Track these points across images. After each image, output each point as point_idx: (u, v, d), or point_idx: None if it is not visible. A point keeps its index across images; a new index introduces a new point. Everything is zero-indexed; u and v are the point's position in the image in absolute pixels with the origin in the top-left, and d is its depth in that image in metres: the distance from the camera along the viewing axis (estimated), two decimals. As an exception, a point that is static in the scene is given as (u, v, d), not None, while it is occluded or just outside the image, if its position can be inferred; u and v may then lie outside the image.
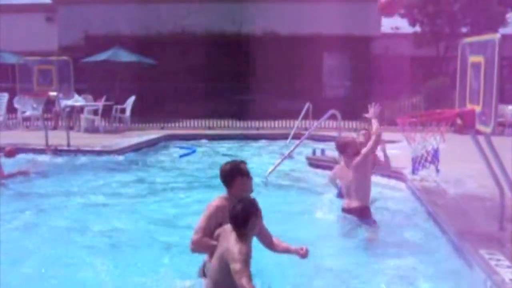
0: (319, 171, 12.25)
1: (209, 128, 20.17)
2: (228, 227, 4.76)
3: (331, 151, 13.62)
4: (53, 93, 14.73)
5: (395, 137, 15.67)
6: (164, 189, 10.95)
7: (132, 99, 19.53)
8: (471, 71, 6.74)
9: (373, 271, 6.13)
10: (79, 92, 19.76)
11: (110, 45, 22.12)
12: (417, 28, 28.67)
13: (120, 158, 13.98)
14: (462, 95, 7.06)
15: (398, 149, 13.68)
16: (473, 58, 6.69)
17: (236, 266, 4.40)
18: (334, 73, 26.45)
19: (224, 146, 16.97)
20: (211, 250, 5.07)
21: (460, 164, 10.95)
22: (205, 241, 5.06)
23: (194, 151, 15.51)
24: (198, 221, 5.20)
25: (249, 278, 4.33)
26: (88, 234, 7.69)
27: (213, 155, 15.37)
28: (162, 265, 6.27)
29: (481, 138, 6.59)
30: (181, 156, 14.95)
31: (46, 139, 14.17)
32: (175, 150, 15.91)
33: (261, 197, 9.73)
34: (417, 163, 6.67)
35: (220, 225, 5.01)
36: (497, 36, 6.11)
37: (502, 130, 17.54)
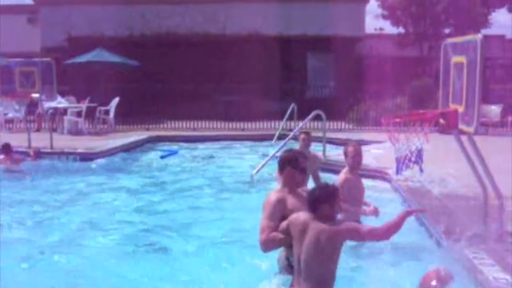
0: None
1: (194, 129, 20.12)
2: (300, 215, 4.77)
3: (316, 150, 13.69)
4: (35, 95, 14.63)
5: (379, 138, 15.76)
6: (147, 190, 10.93)
7: (116, 100, 19.44)
8: (454, 72, 6.78)
9: (359, 270, 6.13)
10: (62, 94, 19.63)
11: (93, 46, 22.02)
12: (401, 29, 28.87)
13: (104, 160, 13.90)
14: (445, 95, 7.10)
15: (383, 149, 13.79)
16: (455, 59, 6.73)
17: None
18: (319, 73, 26.49)
19: (209, 147, 16.94)
20: (283, 244, 5.05)
21: (444, 164, 10.98)
22: (274, 237, 4.97)
23: (175, 153, 15.46)
24: (260, 221, 5.13)
25: None
26: (76, 238, 7.65)
27: (196, 157, 15.34)
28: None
29: (464, 138, 6.62)
30: (161, 157, 14.92)
31: (29, 141, 14.06)
32: (159, 152, 15.85)
33: (248, 195, 9.81)
34: (401, 163, 6.68)
35: (283, 218, 4.98)
36: (478, 36, 6.14)
37: (486, 130, 17.65)
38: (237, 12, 25.51)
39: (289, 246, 4.94)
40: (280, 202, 5.07)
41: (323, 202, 4.65)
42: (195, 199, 10.07)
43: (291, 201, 5.09)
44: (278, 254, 5.26)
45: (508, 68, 39.70)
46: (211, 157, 15.32)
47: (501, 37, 38.11)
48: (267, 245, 5.02)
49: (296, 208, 4.99)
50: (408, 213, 5.00)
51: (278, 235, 4.96)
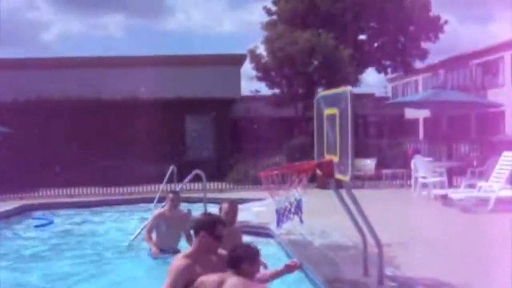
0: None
1: (71, 196, 19.48)
2: (211, 275, 4.63)
3: (196, 211, 13.58)
4: None
5: (260, 196, 15.93)
6: (19, 261, 10.36)
7: (-14, 170, 18.56)
8: (327, 123, 7.00)
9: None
10: None
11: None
12: (276, 90, 29.63)
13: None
14: (320, 147, 7.30)
15: (263, 206, 13.94)
16: (328, 111, 6.96)
17: None
18: (198, 135, 26.60)
19: (85, 213, 16.40)
20: None
21: (324, 217, 11.23)
22: None
23: (51, 222, 14.81)
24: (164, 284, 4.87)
25: None
26: None
27: (73, 224, 14.77)
28: None
29: (342, 192, 6.80)
30: (36, 226, 14.29)
31: None
32: (32, 221, 15.11)
33: (125, 261, 9.50)
34: (281, 215, 6.73)
35: (187, 286, 4.77)
36: (348, 88, 6.41)
37: (362, 184, 18.26)
38: (111, 76, 25.32)
39: None
40: (187, 268, 4.85)
41: (244, 260, 4.63)
42: (71, 267, 9.61)
43: (199, 269, 4.84)
44: None
45: (379, 124, 41.82)
46: (90, 222, 14.84)
47: (371, 95, 40.18)
48: None
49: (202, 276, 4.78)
50: (287, 268, 5.44)
51: None
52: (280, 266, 7.90)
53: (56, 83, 24.72)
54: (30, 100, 24.33)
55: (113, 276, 8.74)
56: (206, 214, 5.37)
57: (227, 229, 6.18)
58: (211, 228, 4.97)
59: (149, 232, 9.46)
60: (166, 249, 9.16)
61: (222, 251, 5.07)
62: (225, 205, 7.11)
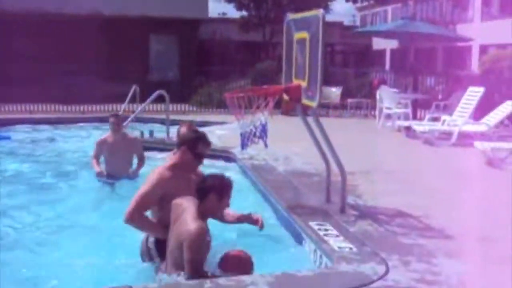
0: (148, 153, 12.00)
1: (31, 112, 19.07)
2: (183, 201, 4.54)
3: (159, 133, 13.42)
4: None
5: (224, 119, 15.79)
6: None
7: None
8: (296, 47, 6.79)
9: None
10: None
11: None
12: (244, 13, 29.15)
13: None
14: (288, 71, 7.11)
15: (227, 130, 13.81)
16: (298, 35, 6.74)
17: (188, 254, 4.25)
18: (162, 56, 26.11)
19: (47, 131, 16.09)
20: (147, 230, 4.88)
21: (288, 143, 11.15)
22: (143, 219, 4.82)
23: (8, 138, 14.45)
24: (137, 192, 4.84)
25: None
26: None
27: (34, 140, 14.48)
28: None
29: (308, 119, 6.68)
30: None
31: None
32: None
33: (88, 178, 9.31)
34: (246, 138, 6.61)
35: (161, 198, 4.79)
36: (320, 12, 6.17)
37: (327, 112, 18.20)
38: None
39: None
40: (165, 180, 4.86)
41: (212, 192, 4.46)
42: (32, 184, 9.42)
43: (177, 183, 4.84)
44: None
45: (346, 53, 41.70)
46: (52, 139, 14.54)
47: (339, 24, 39.83)
48: (132, 221, 4.82)
49: (178, 191, 4.72)
50: (246, 218, 5.36)
51: (148, 220, 4.89)
52: (242, 193, 7.89)
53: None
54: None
55: (57, 196, 8.58)
56: (194, 132, 5.23)
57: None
58: (193, 145, 4.96)
59: (95, 157, 8.99)
60: (115, 174, 8.86)
61: (200, 171, 5.10)
62: (183, 129, 6.62)
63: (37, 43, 22.72)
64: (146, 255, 5.02)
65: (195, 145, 4.95)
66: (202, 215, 4.42)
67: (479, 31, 28.27)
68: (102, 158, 9.09)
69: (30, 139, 14.67)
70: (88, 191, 8.72)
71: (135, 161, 9.21)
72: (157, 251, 4.88)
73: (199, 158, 5.00)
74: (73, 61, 22.33)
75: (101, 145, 8.98)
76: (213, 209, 4.53)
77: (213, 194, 4.45)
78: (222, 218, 5.17)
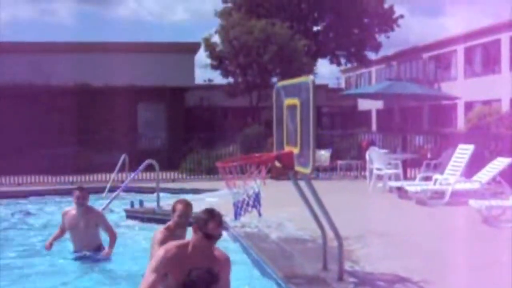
0: (137, 223, 11.87)
1: (18, 184, 18.88)
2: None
3: (149, 202, 13.26)
4: None
5: (213, 186, 15.69)
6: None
7: None
8: (287, 114, 6.76)
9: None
10: None
11: None
12: (230, 79, 29.40)
13: None
14: (279, 138, 7.06)
15: (217, 197, 13.69)
16: (288, 101, 6.72)
17: None
18: (150, 124, 26.17)
19: (36, 203, 15.85)
20: None
21: (280, 209, 11.04)
22: None
23: None
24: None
25: None
26: None
27: (18, 214, 14.19)
28: None
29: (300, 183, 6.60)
30: None
31: None
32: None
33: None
34: (239, 208, 6.48)
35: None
36: (310, 78, 6.18)
37: (317, 175, 18.13)
38: (63, 62, 24.63)
39: None
40: (172, 258, 4.76)
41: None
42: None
43: (186, 260, 4.77)
44: None
45: (332, 115, 42.01)
46: (28, 213, 14.23)
47: (325, 86, 40.26)
48: None
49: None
50: None
51: None
52: (236, 263, 7.69)
53: (4, 68, 23.94)
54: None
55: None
56: (206, 210, 5.05)
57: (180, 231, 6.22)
58: (202, 225, 4.79)
59: (61, 229, 8.68)
60: (83, 248, 8.54)
61: (220, 253, 4.99)
62: (179, 206, 6.39)
63: (23, 114, 22.74)
64: None
65: (205, 225, 4.80)
66: None
67: (464, 89, 28.68)
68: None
69: (13, 213, 14.33)
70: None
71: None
72: None
73: (209, 238, 4.81)
74: (61, 131, 22.26)
75: (64, 216, 8.67)
76: None
77: None
78: None
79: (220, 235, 4.88)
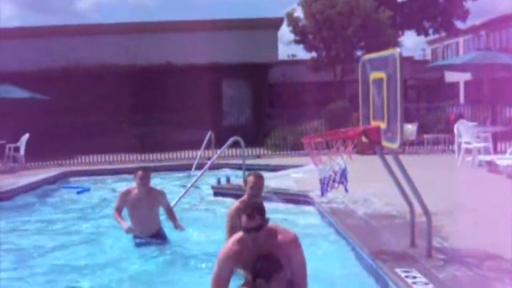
0: (226, 199, 12.00)
1: (109, 163, 19.49)
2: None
3: (236, 178, 13.42)
4: None
5: (298, 162, 15.70)
6: (61, 229, 10.30)
7: (26, 137, 18.60)
8: (373, 88, 6.65)
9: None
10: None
11: (-1, 82, 21.03)
12: (314, 54, 29.15)
13: (14, 199, 13.14)
14: (365, 113, 6.94)
15: (302, 173, 13.69)
16: (374, 75, 6.59)
17: None
18: (234, 101, 26.39)
19: (126, 180, 16.32)
20: None
21: (366, 184, 10.91)
22: None
23: (88, 190, 14.74)
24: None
25: None
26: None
27: (110, 192, 14.67)
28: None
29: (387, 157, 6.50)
30: (78, 192, 14.30)
31: None
32: (68, 190, 14.99)
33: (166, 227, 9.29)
34: (326, 184, 6.46)
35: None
36: (397, 51, 6.03)
37: (403, 149, 17.82)
38: (146, 42, 25.12)
39: None
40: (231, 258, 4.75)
41: (260, 277, 4.49)
42: (108, 236, 9.42)
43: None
44: None
45: (418, 88, 41.06)
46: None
47: (410, 59, 39.34)
48: None
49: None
50: None
51: None
52: (322, 238, 7.68)
53: (92, 50, 24.66)
54: (66, 67, 24.33)
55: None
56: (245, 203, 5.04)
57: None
58: (267, 279, 4.55)
59: (118, 210, 8.40)
60: (144, 231, 8.39)
61: (284, 235, 4.79)
62: (250, 178, 6.69)
63: (111, 94, 23.36)
64: None
65: (240, 219, 4.66)
66: None
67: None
68: (124, 212, 8.52)
69: (108, 190, 14.85)
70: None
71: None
72: None
73: (245, 232, 4.61)
74: (148, 110, 22.75)
75: (125, 196, 8.44)
76: None
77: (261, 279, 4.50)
78: None
79: (253, 228, 4.56)
